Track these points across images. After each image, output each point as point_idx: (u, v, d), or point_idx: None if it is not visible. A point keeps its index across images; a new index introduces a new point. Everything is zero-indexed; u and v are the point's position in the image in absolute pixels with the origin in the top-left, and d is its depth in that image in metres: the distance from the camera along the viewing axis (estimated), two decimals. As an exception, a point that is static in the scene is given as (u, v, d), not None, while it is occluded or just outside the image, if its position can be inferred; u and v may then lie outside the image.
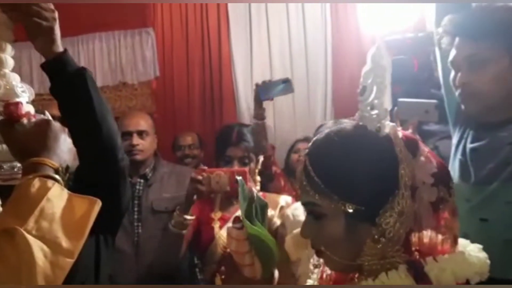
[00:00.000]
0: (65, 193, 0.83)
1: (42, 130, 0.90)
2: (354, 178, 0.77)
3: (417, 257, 0.80)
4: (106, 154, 1.22)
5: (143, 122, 2.26)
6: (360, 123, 0.82)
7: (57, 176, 0.85)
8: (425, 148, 0.82)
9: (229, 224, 0.90)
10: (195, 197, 1.73)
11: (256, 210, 0.87)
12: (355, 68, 3.39)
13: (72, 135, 1.22)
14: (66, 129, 1.08)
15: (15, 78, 1.00)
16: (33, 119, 0.94)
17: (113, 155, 1.23)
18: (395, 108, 1.59)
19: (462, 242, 0.83)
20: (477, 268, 0.79)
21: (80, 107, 1.18)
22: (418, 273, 0.76)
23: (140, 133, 2.20)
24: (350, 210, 0.77)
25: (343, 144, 0.80)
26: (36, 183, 0.80)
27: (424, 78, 1.99)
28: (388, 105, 0.81)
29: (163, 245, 1.86)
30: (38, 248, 0.72)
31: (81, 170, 1.20)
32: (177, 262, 1.90)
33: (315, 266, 0.88)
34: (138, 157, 2.18)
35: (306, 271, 0.94)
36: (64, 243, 0.76)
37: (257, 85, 2.21)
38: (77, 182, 1.19)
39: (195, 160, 2.95)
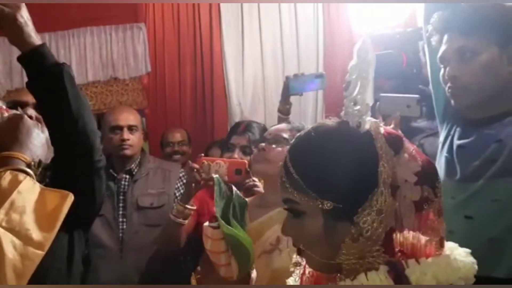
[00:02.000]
0: (37, 186, 0.83)
1: (14, 125, 0.90)
2: (332, 175, 0.75)
3: (400, 258, 0.77)
4: (82, 152, 1.20)
5: (133, 117, 2.24)
6: (344, 119, 0.80)
7: (29, 170, 0.84)
8: (410, 146, 0.80)
9: (206, 223, 0.88)
10: (193, 185, 1.71)
11: (234, 209, 0.85)
12: (347, 67, 3.38)
13: (49, 130, 1.20)
14: (40, 124, 1.06)
15: None
16: (6, 114, 0.94)
17: (89, 154, 1.21)
18: (377, 103, 1.58)
19: (450, 245, 0.80)
20: (461, 273, 0.76)
21: (55, 102, 1.16)
22: (398, 275, 0.74)
23: (130, 128, 2.19)
24: (328, 208, 0.74)
25: (321, 139, 0.78)
26: (7, 176, 0.79)
27: (413, 74, 1.97)
28: (370, 100, 0.79)
29: (163, 234, 1.88)
30: (8, 240, 0.72)
31: (57, 166, 1.18)
32: (177, 252, 1.92)
33: (296, 265, 0.85)
34: (128, 152, 2.16)
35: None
36: (35, 235, 0.76)
37: (287, 78, 2.21)
38: (54, 178, 1.17)
39: (184, 157, 2.93)
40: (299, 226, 0.78)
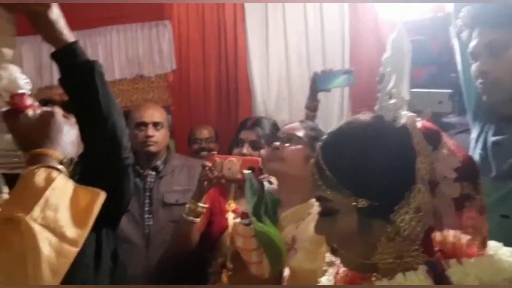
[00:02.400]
0: (70, 184, 0.83)
1: (46, 122, 0.90)
2: (367, 171, 0.72)
3: (440, 258, 0.74)
4: (110, 150, 1.22)
5: (158, 114, 2.26)
6: (378, 114, 0.77)
7: (61, 167, 0.85)
8: (449, 140, 0.76)
9: (237, 219, 0.87)
10: (205, 183, 1.69)
11: (267, 206, 0.83)
12: (374, 61, 3.31)
13: (79, 127, 1.21)
14: (72, 120, 1.08)
15: (16, 70, 1.01)
16: (38, 111, 0.94)
17: (117, 152, 1.23)
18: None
19: (493, 245, 0.77)
20: (507, 274, 0.72)
21: (86, 99, 1.18)
22: (439, 276, 0.71)
23: (156, 125, 2.20)
24: (363, 206, 0.72)
25: (355, 135, 0.76)
26: (41, 173, 0.80)
27: (445, 62, 1.90)
28: (406, 94, 0.76)
29: (175, 234, 1.85)
30: (44, 237, 0.73)
31: (85, 163, 1.19)
32: (189, 251, 1.88)
33: (329, 264, 0.83)
34: (153, 148, 2.17)
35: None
36: (69, 232, 0.77)
37: (315, 74, 2.19)
38: (82, 174, 1.18)
39: (211, 154, 2.92)
40: (332, 224, 0.76)
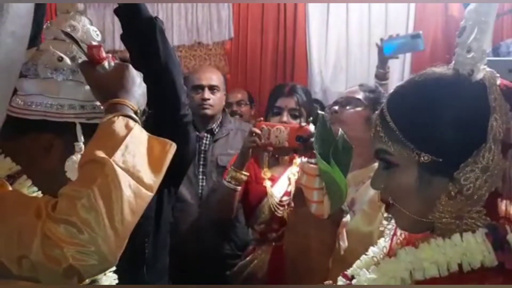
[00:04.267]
0: (145, 133, 0.88)
1: (121, 73, 0.93)
2: (434, 125, 0.69)
3: (504, 223, 0.70)
4: (170, 106, 1.25)
5: (216, 77, 2.27)
6: (453, 68, 0.73)
7: (136, 117, 0.89)
8: None
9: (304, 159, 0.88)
10: (250, 150, 1.67)
11: (337, 151, 0.82)
12: (439, 36, 3.16)
13: None
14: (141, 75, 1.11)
15: (88, 22, 1.03)
16: (112, 63, 0.97)
17: (176, 108, 1.25)
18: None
19: None
20: None
21: (146, 53, 1.21)
22: (498, 240, 0.67)
23: (212, 88, 2.22)
24: (425, 161, 0.69)
25: (426, 86, 0.72)
26: (120, 121, 0.84)
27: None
28: (487, 46, 0.72)
29: (218, 200, 1.85)
30: (125, 179, 0.78)
31: (147, 121, 1.23)
32: (231, 217, 1.90)
33: (387, 219, 0.81)
34: (209, 111, 2.20)
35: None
36: (146, 178, 0.81)
37: (381, 40, 2.11)
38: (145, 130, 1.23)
39: (242, 118, 2.86)
40: (390, 178, 0.74)
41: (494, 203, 0.71)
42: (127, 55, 1.46)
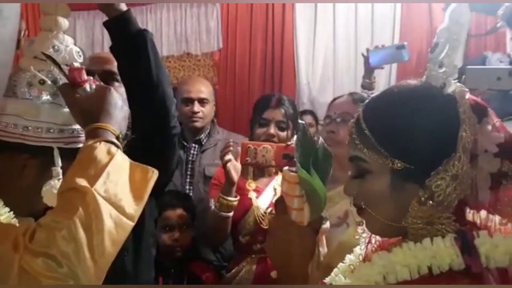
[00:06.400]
0: (127, 160, 0.86)
1: (103, 96, 0.91)
2: (408, 134, 0.72)
3: (471, 229, 0.74)
4: (158, 118, 1.25)
5: (205, 89, 2.27)
6: (426, 81, 0.77)
7: (117, 143, 0.86)
8: (495, 117, 0.76)
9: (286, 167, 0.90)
10: (234, 177, 1.67)
11: (317, 159, 0.84)
12: (423, 47, 3.22)
13: (128, 95, 1.25)
14: (123, 96, 1.08)
15: (71, 41, 1.01)
16: (94, 85, 0.95)
17: (165, 120, 1.25)
18: (463, 76, 1.49)
19: None
20: None
21: (137, 67, 1.20)
22: (466, 245, 0.70)
23: (201, 101, 2.22)
24: (398, 168, 0.72)
25: (401, 97, 0.76)
26: (102, 147, 0.82)
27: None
28: (458, 62, 0.76)
29: (212, 228, 1.81)
30: (106, 209, 0.76)
31: (133, 132, 1.22)
32: (224, 241, 1.91)
33: (359, 224, 0.84)
34: (198, 124, 2.21)
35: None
36: (127, 207, 0.80)
37: (367, 50, 2.14)
38: (130, 145, 1.22)
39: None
40: (363, 184, 0.77)
41: (462, 210, 0.74)
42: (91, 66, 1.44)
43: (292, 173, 0.82)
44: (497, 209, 0.74)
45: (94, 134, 0.85)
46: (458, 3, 0.76)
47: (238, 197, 1.74)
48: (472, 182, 0.73)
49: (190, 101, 2.21)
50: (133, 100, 1.22)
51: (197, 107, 2.20)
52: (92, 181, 0.78)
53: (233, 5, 3.68)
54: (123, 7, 1.19)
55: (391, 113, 0.75)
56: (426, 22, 3.28)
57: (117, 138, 0.87)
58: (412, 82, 0.79)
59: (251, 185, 1.81)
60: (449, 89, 0.75)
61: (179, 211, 1.96)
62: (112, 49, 1.27)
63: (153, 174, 0.86)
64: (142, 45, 1.20)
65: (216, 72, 3.78)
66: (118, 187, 0.80)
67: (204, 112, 2.22)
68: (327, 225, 1.03)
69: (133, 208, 0.81)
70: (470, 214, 0.77)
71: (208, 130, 2.28)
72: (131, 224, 0.80)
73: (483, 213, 0.76)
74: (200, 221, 1.99)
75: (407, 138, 0.72)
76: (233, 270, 1.83)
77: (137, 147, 1.07)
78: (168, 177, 1.43)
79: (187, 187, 2.18)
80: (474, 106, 0.74)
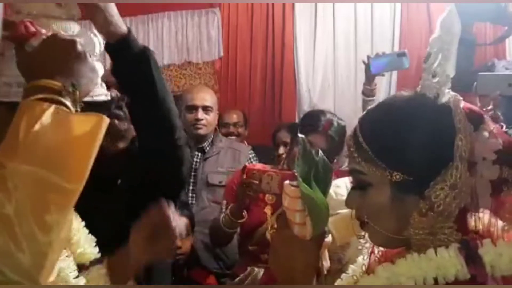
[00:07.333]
0: (64, 114, 0.74)
1: (48, 49, 0.80)
2: (405, 146, 0.73)
3: (474, 238, 0.74)
4: (164, 133, 1.25)
5: (209, 98, 2.31)
6: (420, 91, 0.78)
7: (57, 97, 0.75)
8: (491, 124, 0.76)
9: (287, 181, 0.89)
10: (244, 199, 1.71)
11: (318, 172, 0.85)
12: (423, 54, 3.23)
13: (132, 115, 1.26)
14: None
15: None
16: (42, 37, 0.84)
17: (171, 134, 1.26)
18: (475, 83, 1.49)
19: None
20: None
21: (142, 88, 1.19)
22: (471, 255, 0.71)
23: (205, 108, 2.26)
24: (397, 180, 0.73)
25: (396, 108, 0.77)
26: (28, 108, 0.72)
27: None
28: (451, 71, 0.76)
29: (216, 237, 1.90)
30: (32, 180, 0.68)
31: (141, 146, 1.25)
32: (224, 247, 2.01)
33: (359, 237, 0.85)
34: (202, 131, 2.24)
35: (354, 257, 0.91)
36: (64, 168, 0.71)
37: (368, 57, 2.16)
38: (140, 162, 1.24)
39: (239, 138, 2.90)
40: (364, 197, 0.77)
41: (463, 219, 0.75)
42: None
43: (294, 187, 0.82)
44: (499, 216, 0.75)
45: (29, 93, 0.75)
46: (450, 10, 0.76)
47: (245, 218, 1.77)
48: (472, 190, 0.73)
49: (194, 108, 2.24)
50: (138, 118, 1.23)
51: (201, 114, 2.23)
52: (12, 153, 0.69)
53: (234, 13, 3.70)
54: (123, 28, 1.13)
55: (387, 125, 0.76)
56: (425, 28, 3.30)
57: (60, 92, 0.76)
58: (406, 93, 0.79)
59: (270, 198, 1.81)
60: (443, 99, 0.75)
61: (179, 218, 1.97)
62: (112, 70, 1.22)
63: (103, 122, 0.75)
64: (145, 66, 1.17)
65: (217, 80, 3.80)
66: (51, 149, 0.71)
67: (207, 120, 2.25)
68: (329, 238, 1.03)
69: (75, 167, 0.72)
70: (472, 222, 0.77)
71: (211, 138, 2.30)
72: (74, 186, 0.71)
73: (486, 217, 0.76)
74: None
75: (403, 150, 0.73)
76: (240, 277, 1.85)
77: (148, 161, 1.06)
78: (182, 182, 1.44)
79: (190, 194, 2.19)
80: (470, 114, 0.75)
